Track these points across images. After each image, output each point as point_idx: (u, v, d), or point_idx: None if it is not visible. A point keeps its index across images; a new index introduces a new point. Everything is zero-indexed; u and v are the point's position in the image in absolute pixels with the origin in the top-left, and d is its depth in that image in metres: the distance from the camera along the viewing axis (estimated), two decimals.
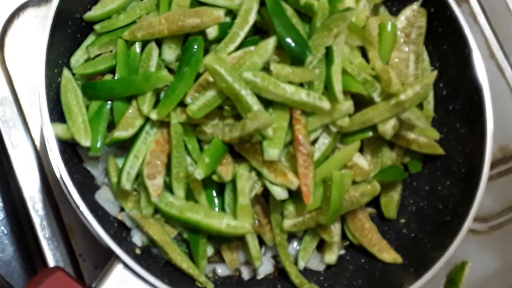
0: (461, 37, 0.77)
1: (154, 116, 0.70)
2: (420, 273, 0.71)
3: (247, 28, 0.72)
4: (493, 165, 0.87)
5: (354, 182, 0.74)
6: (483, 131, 0.75)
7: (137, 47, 0.74)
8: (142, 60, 0.74)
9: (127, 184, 0.70)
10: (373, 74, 0.73)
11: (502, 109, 0.93)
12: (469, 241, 0.89)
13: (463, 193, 0.76)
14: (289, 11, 0.73)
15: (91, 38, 0.77)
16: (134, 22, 0.76)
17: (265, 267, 0.77)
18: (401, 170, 0.78)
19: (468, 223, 0.73)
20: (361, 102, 0.73)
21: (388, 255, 0.77)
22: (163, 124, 0.72)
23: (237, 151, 0.72)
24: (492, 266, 0.91)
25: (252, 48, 0.72)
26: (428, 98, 0.80)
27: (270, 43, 0.70)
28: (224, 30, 0.72)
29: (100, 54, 0.75)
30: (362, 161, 0.75)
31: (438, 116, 0.80)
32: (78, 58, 0.76)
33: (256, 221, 0.74)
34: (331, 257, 0.77)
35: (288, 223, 0.73)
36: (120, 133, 0.71)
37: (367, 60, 0.75)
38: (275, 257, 0.78)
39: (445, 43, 0.79)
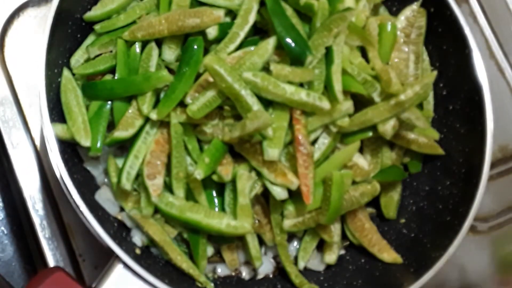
0: (461, 37, 0.77)
1: (154, 116, 0.70)
2: (420, 273, 0.71)
3: (247, 28, 0.72)
4: (493, 165, 0.87)
5: (354, 182, 0.74)
6: (483, 131, 0.75)
7: (137, 47, 0.74)
8: (142, 60, 0.74)
9: (127, 184, 0.70)
10: (373, 74, 0.73)
11: (502, 109, 0.93)
12: (469, 241, 0.89)
13: (463, 193, 0.75)
14: (289, 11, 0.73)
15: (91, 38, 0.77)
16: (134, 22, 0.76)
17: (265, 267, 0.77)
18: (401, 170, 0.78)
19: (468, 223, 0.73)
20: (361, 102, 0.73)
21: (388, 255, 0.76)
22: (163, 124, 0.72)
23: (237, 151, 0.72)
24: (492, 266, 0.91)
25: (252, 48, 0.72)
26: (428, 98, 0.80)
27: (270, 43, 0.70)
28: (224, 30, 0.72)
29: (100, 54, 0.75)
30: (362, 161, 0.75)
31: (438, 116, 0.80)
32: (78, 58, 0.76)
33: (256, 221, 0.74)
34: (331, 257, 0.77)
35: (288, 223, 0.73)
36: (120, 133, 0.71)
37: (367, 60, 0.75)
38: (275, 257, 0.78)
39: (445, 43, 0.79)
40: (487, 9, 0.98)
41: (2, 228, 0.85)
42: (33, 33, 0.86)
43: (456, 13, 0.77)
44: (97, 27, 0.76)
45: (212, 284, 0.73)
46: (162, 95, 0.72)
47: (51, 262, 0.79)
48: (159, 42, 0.74)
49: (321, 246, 0.78)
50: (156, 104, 0.72)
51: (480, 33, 0.98)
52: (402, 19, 0.79)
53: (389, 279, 0.75)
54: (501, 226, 0.92)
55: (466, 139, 0.77)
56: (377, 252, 0.77)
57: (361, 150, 0.77)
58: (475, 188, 0.73)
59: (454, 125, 0.79)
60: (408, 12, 0.79)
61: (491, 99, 0.75)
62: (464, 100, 0.78)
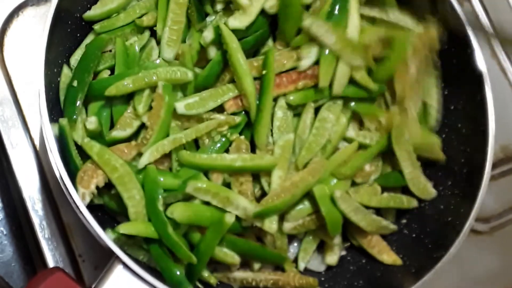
0: (463, 36, 0.76)
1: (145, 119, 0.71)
2: (421, 273, 0.71)
3: None
4: (494, 165, 0.87)
5: (354, 184, 0.74)
6: (484, 131, 0.74)
7: (136, 46, 0.74)
8: (141, 60, 0.74)
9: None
10: (375, 90, 0.73)
11: (504, 109, 0.93)
12: (470, 241, 0.89)
13: (464, 193, 0.75)
14: None
15: (90, 38, 0.76)
16: (133, 22, 0.76)
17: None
18: (402, 177, 0.77)
19: (469, 223, 0.72)
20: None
21: (388, 256, 0.76)
22: None
23: None
24: (493, 266, 0.90)
25: None
26: (432, 103, 0.79)
27: None
28: None
29: None
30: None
31: (440, 116, 0.80)
32: (77, 57, 0.75)
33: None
34: (332, 258, 0.77)
35: (288, 226, 0.73)
36: (118, 133, 0.71)
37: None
38: None
39: (447, 42, 0.79)
40: (489, 8, 0.98)
41: (2, 228, 0.85)
42: (32, 32, 0.86)
43: (458, 12, 0.77)
44: (96, 27, 0.76)
45: (216, 279, 0.73)
46: None
47: (51, 263, 0.79)
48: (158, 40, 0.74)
49: (322, 247, 0.78)
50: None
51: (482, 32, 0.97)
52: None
53: (390, 279, 0.75)
54: (502, 227, 0.92)
55: (467, 139, 0.77)
56: (376, 253, 0.76)
57: None
58: (477, 188, 0.73)
59: (455, 125, 0.78)
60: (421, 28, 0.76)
61: (493, 99, 0.74)
62: (465, 100, 0.77)
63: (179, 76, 0.71)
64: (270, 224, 0.69)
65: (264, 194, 0.72)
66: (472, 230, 0.79)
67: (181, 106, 0.70)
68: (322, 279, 0.77)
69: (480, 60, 0.76)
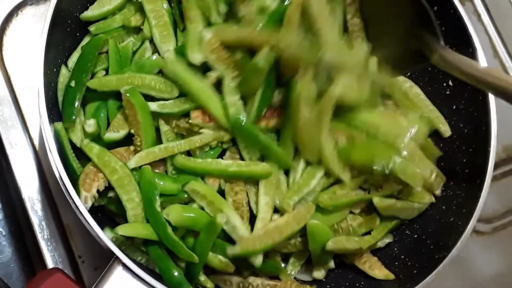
0: (464, 36, 0.76)
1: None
2: (423, 274, 0.71)
3: None
4: (496, 165, 0.86)
5: (352, 213, 0.74)
6: (487, 131, 0.74)
7: (131, 47, 0.75)
8: (134, 60, 0.74)
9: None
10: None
11: (506, 109, 0.92)
12: (472, 242, 0.89)
13: (466, 193, 0.75)
14: None
15: (86, 40, 0.76)
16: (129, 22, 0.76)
17: None
18: None
19: (471, 224, 0.72)
20: None
21: (379, 271, 0.76)
22: None
23: None
24: (496, 267, 0.90)
25: None
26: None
27: None
28: None
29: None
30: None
31: (442, 115, 0.79)
32: (75, 59, 0.75)
33: None
34: (320, 272, 0.76)
35: None
36: (111, 135, 0.71)
37: None
38: None
39: (449, 42, 0.78)
40: (491, 7, 0.98)
41: (1, 229, 0.84)
42: (32, 32, 0.86)
43: (460, 12, 0.76)
44: (92, 28, 0.76)
45: (213, 284, 0.73)
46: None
47: (50, 264, 0.79)
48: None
49: (310, 260, 0.77)
50: None
51: (484, 31, 0.97)
52: None
53: (392, 281, 0.75)
54: (505, 227, 0.92)
55: (470, 139, 0.76)
56: (368, 269, 0.76)
57: None
58: (479, 188, 0.73)
59: (457, 125, 0.78)
60: None
61: (495, 99, 0.74)
62: (468, 99, 0.77)
63: (163, 88, 0.71)
64: (255, 259, 0.69)
65: (252, 215, 0.72)
66: (474, 230, 0.79)
67: (153, 104, 0.70)
68: (323, 280, 0.77)
69: (482, 60, 0.75)
